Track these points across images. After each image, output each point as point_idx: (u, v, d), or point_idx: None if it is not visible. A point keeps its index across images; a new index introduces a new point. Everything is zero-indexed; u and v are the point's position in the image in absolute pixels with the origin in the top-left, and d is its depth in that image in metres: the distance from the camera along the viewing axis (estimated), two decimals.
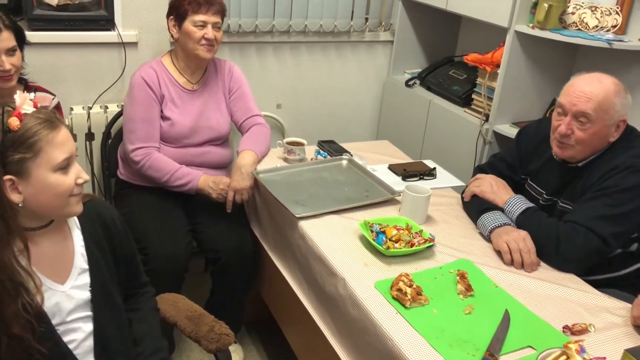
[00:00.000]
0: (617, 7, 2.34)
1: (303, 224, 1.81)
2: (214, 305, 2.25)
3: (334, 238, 1.75)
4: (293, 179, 2.08)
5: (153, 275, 1.94)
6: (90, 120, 2.52)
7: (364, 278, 1.57)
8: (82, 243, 1.31)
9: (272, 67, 2.96)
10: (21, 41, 1.94)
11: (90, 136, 2.54)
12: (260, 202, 2.16)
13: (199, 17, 2.09)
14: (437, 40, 3.19)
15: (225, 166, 2.32)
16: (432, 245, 1.72)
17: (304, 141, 2.26)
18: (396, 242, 1.67)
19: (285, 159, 2.23)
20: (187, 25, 2.11)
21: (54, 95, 2.11)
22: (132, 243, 1.46)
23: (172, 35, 2.19)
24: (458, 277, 1.57)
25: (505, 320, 1.44)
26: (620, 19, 2.33)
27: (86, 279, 1.30)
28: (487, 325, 1.42)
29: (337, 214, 1.87)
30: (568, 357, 1.25)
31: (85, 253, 1.31)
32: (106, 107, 2.57)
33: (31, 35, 2.20)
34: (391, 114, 3.22)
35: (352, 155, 2.25)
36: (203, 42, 2.11)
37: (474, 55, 2.65)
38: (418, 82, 3.07)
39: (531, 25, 2.36)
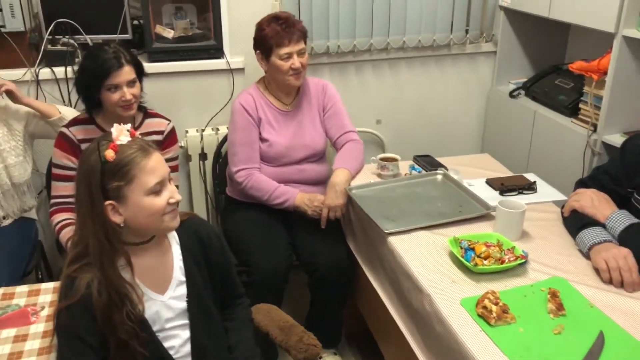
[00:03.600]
0: None
1: (392, 240, 1.84)
2: (314, 316, 2.35)
3: (423, 254, 1.76)
4: (385, 195, 2.12)
5: (255, 286, 2.08)
6: (203, 142, 2.74)
7: (450, 295, 1.57)
8: (181, 257, 1.45)
9: (371, 84, 3.03)
10: (140, 73, 2.16)
11: (203, 156, 2.76)
12: (354, 217, 2.22)
13: (284, 50, 2.20)
14: (543, 48, 3.08)
15: (323, 182, 2.42)
16: (524, 263, 1.67)
17: (398, 157, 2.29)
18: (485, 259, 1.65)
19: (379, 175, 2.27)
20: (274, 59, 2.22)
21: (169, 121, 2.32)
22: (229, 257, 1.58)
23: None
24: (549, 296, 1.52)
25: (599, 342, 1.37)
26: None
27: (183, 290, 1.44)
28: (578, 346, 1.36)
29: (428, 230, 1.88)
30: None
31: (183, 266, 1.44)
32: (217, 129, 2.77)
33: (150, 67, 2.45)
34: (495, 126, 3.15)
35: (447, 170, 2.24)
36: (291, 72, 2.22)
37: (579, 63, 2.53)
38: (523, 92, 2.98)
39: None
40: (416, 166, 2.32)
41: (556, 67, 2.93)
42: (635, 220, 1.71)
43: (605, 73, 2.37)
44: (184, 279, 1.44)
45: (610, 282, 1.59)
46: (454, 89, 3.16)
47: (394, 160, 2.27)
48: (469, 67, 3.13)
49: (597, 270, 1.64)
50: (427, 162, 2.32)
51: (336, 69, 2.94)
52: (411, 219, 1.92)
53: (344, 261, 2.22)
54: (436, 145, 3.06)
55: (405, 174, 2.27)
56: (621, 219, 1.72)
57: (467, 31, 3.02)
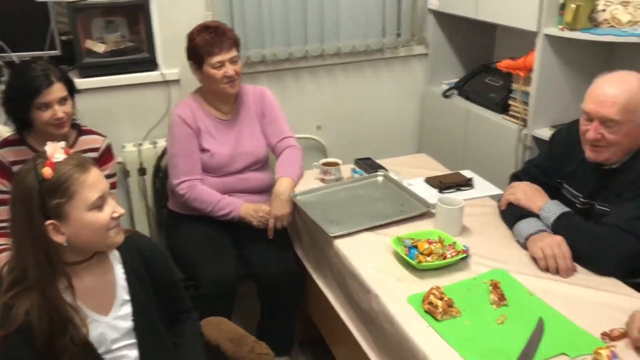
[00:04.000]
0: None
1: (338, 243, 1.86)
2: (265, 325, 2.34)
3: (368, 255, 1.79)
4: (329, 199, 2.14)
5: (203, 299, 2.05)
6: (141, 156, 2.68)
7: (397, 293, 1.60)
8: (124, 275, 1.42)
9: (309, 90, 3.05)
10: (72, 90, 2.10)
11: (142, 171, 2.70)
12: (300, 223, 2.23)
13: (216, 59, 2.19)
14: (472, 48, 3.19)
15: (267, 190, 2.41)
16: (465, 257, 1.73)
17: (339, 161, 2.32)
18: (428, 256, 1.70)
19: (322, 180, 2.29)
20: (207, 68, 2.21)
21: (105, 137, 2.27)
22: (174, 272, 1.56)
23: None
24: (491, 287, 1.58)
25: (539, 328, 1.43)
26: None
27: (128, 309, 1.41)
28: (520, 334, 1.42)
29: (372, 231, 1.91)
30: None
31: (126, 285, 1.41)
32: (155, 143, 2.72)
33: (82, 82, 2.39)
34: (431, 126, 3.24)
35: (387, 171, 2.29)
36: (225, 80, 2.21)
37: (507, 61, 2.65)
38: (455, 92, 3.08)
39: (560, 27, 2.33)
40: (357, 169, 2.36)
41: (485, 66, 3.04)
42: (566, 209, 1.80)
43: (531, 70, 2.48)
44: (128, 297, 1.41)
45: (547, 269, 1.67)
46: (389, 92, 3.22)
47: (335, 164, 2.30)
48: (403, 69, 3.21)
49: (534, 259, 1.71)
50: (368, 165, 2.36)
51: (274, 77, 2.94)
52: (355, 222, 1.95)
53: (292, 268, 2.23)
54: (376, 148, 3.10)
55: (348, 178, 2.30)
56: (553, 209, 1.80)
57: (398, 35, 3.09)
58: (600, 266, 1.65)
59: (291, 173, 2.25)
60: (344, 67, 3.07)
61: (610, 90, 1.68)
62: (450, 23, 3.08)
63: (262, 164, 2.43)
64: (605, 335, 1.41)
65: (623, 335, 1.40)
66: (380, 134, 3.26)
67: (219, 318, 1.71)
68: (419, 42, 3.17)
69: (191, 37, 2.25)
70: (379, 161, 2.41)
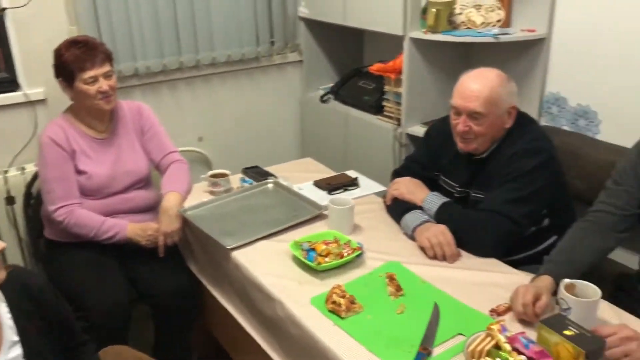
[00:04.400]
0: (499, 3, 2.51)
1: (236, 254, 1.85)
2: (162, 348, 2.25)
3: (267, 262, 1.80)
4: (221, 211, 2.11)
5: (95, 329, 1.94)
6: (8, 184, 2.47)
7: (299, 297, 1.63)
8: (9, 315, 1.30)
9: (187, 102, 3.00)
10: None
11: (10, 200, 2.49)
12: (192, 238, 2.18)
13: (88, 74, 2.07)
14: (344, 53, 3.32)
15: (153, 208, 2.33)
16: (361, 254, 1.79)
17: (227, 172, 2.30)
18: (326, 257, 1.74)
19: (212, 192, 2.26)
20: (79, 84, 2.09)
21: None
22: (64, 307, 1.46)
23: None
24: (387, 280, 1.66)
25: (435, 313, 1.53)
26: (503, 14, 2.51)
27: (18, 350, 1.30)
28: (420, 320, 1.50)
29: (269, 239, 1.92)
30: (492, 338, 1.35)
31: (13, 325, 1.30)
32: (23, 169, 2.52)
33: None
34: (312, 131, 3.32)
35: (277, 178, 2.31)
36: (99, 96, 2.11)
37: (377, 65, 2.78)
38: (332, 96, 3.18)
39: (424, 30, 2.50)
40: (246, 178, 2.36)
41: (358, 70, 3.17)
42: (446, 199, 1.94)
43: (401, 72, 2.63)
44: (17, 338, 1.30)
45: (435, 257, 1.78)
46: (268, 100, 3.26)
47: (224, 175, 2.28)
48: (279, 77, 3.25)
49: (422, 249, 1.82)
50: (257, 173, 2.37)
51: (148, 90, 2.85)
52: (250, 231, 1.94)
53: (186, 285, 2.17)
54: (261, 156, 3.12)
55: (237, 188, 2.29)
56: (434, 200, 1.93)
57: (272, 43, 3.13)
58: (480, 249, 1.80)
59: (178, 188, 2.19)
60: (221, 77, 3.05)
61: (474, 85, 1.83)
62: (320, 30, 3.17)
63: (145, 181, 2.34)
64: (493, 311, 1.53)
65: (508, 309, 1.53)
66: (263, 141, 3.28)
67: (120, 346, 1.62)
68: (293, 50, 3.23)
69: (59, 53, 2.11)
70: (266, 169, 2.43)
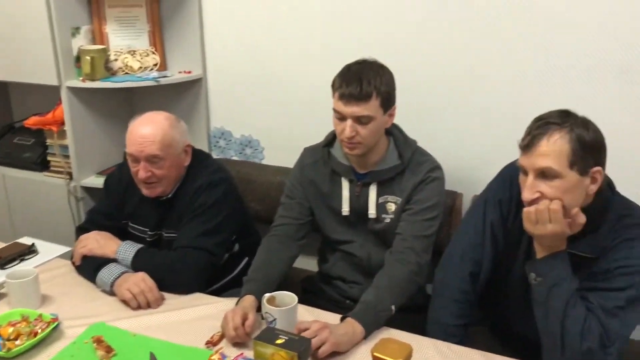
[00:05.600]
0: (152, 48, 2.59)
1: None
2: None
3: None
4: None
5: None
6: None
7: None
8: None
9: None
10: None
11: None
12: None
13: None
14: None
15: None
16: (57, 325, 1.62)
17: None
18: (16, 339, 1.53)
19: None
20: None
21: None
22: None
23: None
24: (95, 344, 1.54)
25: None
26: (158, 58, 2.60)
27: None
28: None
29: None
30: None
31: None
32: None
33: None
34: None
35: None
36: None
37: (34, 118, 2.56)
38: None
39: (81, 78, 2.41)
40: None
41: (10, 126, 2.86)
42: (140, 245, 1.90)
43: (63, 123, 2.48)
44: None
45: (139, 307, 1.73)
46: None
47: None
48: None
49: (125, 302, 1.75)
50: None
51: None
52: None
53: None
54: None
55: None
56: (128, 249, 1.87)
57: None
58: (183, 286, 1.81)
59: None
60: None
61: (146, 131, 1.85)
62: None
63: None
64: (209, 343, 1.56)
65: (222, 336, 1.59)
66: None
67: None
68: None
69: None
70: None
